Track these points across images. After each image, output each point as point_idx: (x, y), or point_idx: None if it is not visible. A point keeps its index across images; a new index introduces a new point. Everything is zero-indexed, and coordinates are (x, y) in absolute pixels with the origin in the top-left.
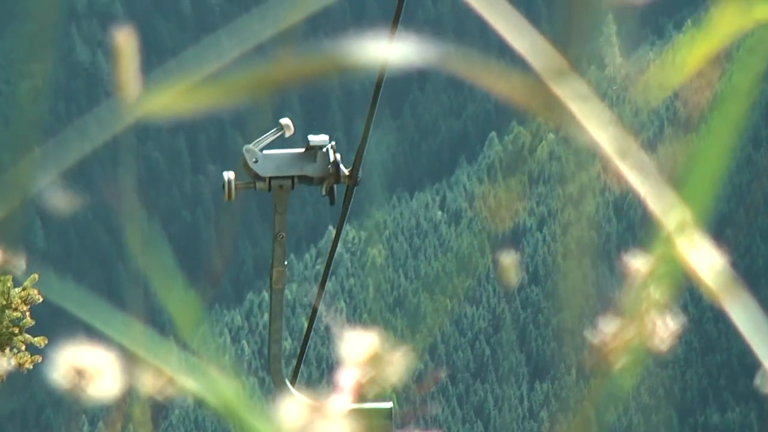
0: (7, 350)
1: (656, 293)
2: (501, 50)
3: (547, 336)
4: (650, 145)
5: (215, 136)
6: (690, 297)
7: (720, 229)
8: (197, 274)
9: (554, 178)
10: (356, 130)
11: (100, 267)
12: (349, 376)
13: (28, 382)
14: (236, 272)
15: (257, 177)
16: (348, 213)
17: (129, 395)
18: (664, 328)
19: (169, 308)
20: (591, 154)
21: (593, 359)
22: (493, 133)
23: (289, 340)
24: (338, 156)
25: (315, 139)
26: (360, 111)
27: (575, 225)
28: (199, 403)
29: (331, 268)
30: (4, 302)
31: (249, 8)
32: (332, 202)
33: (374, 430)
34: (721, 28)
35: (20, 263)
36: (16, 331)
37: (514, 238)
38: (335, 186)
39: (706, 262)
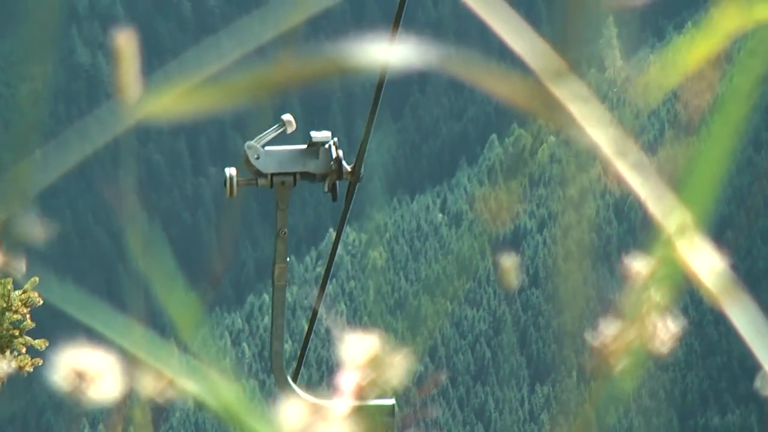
0: (8, 353)
1: (657, 296)
2: (501, 52)
3: (547, 338)
4: (651, 148)
5: (216, 138)
6: (690, 299)
7: (720, 231)
8: (198, 277)
9: (555, 180)
10: (357, 132)
11: (101, 269)
12: (349, 379)
13: (29, 384)
14: (237, 274)
15: (259, 173)
16: (349, 210)
17: (129, 398)
18: (665, 331)
19: (169, 310)
20: (592, 157)
21: (594, 362)
22: (494, 136)
23: (290, 342)
24: (341, 152)
25: (317, 135)
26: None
27: (576, 227)
28: (200, 405)
29: (332, 270)
30: (5, 305)
31: (249, 10)
32: (334, 199)
33: (377, 427)
34: (720, 28)
35: (20, 266)
36: (17, 333)
37: (515, 241)
38: (337, 182)
39: (707, 264)
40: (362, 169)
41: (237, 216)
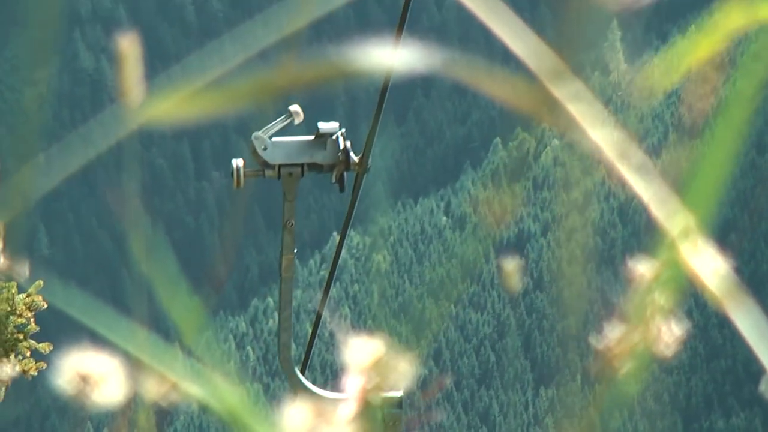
0: (12, 356)
1: (661, 299)
2: (505, 56)
3: (552, 342)
4: (654, 151)
5: (219, 143)
6: (695, 303)
7: (724, 234)
8: (201, 280)
9: (558, 183)
10: (361, 135)
11: (104, 273)
12: (353, 382)
13: (33, 388)
14: (241, 278)
15: (266, 164)
16: (357, 201)
17: (134, 401)
18: (669, 334)
19: (173, 314)
20: (595, 160)
21: (598, 365)
22: (498, 139)
23: (294, 346)
24: (348, 143)
25: (325, 126)
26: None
27: (580, 230)
28: (204, 409)
29: (336, 273)
30: (9, 309)
31: (252, 14)
32: (342, 189)
33: (385, 419)
34: (722, 28)
35: (24, 270)
36: (21, 337)
37: (519, 244)
38: (345, 173)
39: (711, 267)
40: (370, 160)
41: (240, 220)
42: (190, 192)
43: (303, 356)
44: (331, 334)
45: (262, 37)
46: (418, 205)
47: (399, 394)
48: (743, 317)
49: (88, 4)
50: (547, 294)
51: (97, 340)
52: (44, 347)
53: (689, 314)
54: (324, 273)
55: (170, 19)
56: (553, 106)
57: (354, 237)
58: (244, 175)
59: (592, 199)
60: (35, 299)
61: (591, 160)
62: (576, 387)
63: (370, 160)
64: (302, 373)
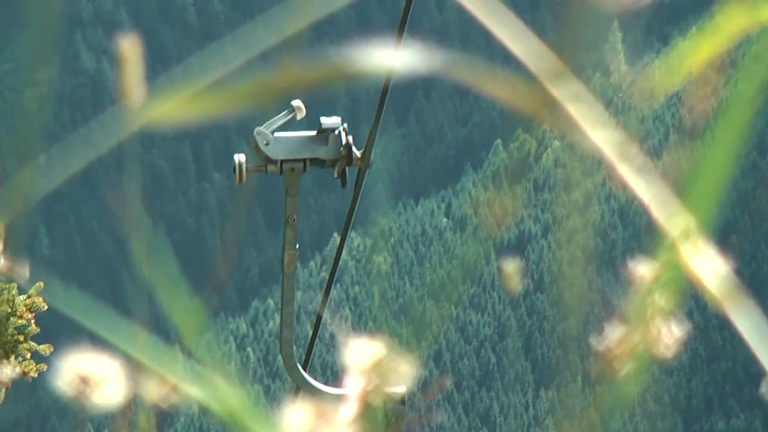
0: (12, 358)
1: (661, 300)
2: (506, 58)
3: (552, 343)
4: (655, 152)
5: (220, 144)
6: (695, 304)
7: (725, 235)
8: (202, 282)
9: (559, 185)
10: (362, 136)
11: (105, 274)
12: (354, 384)
13: (33, 390)
14: (241, 280)
15: (268, 160)
16: (359, 198)
17: (134, 403)
18: (669, 335)
19: (173, 316)
20: (596, 162)
21: (598, 366)
22: (499, 141)
23: (294, 347)
24: (350, 138)
25: (327, 121)
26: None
27: (580, 232)
28: (204, 411)
29: (336, 275)
30: (9, 310)
31: (254, 15)
32: (344, 185)
33: (387, 415)
34: (724, 30)
35: (25, 271)
36: (21, 338)
37: (520, 245)
38: (347, 168)
39: (711, 269)
40: (372, 155)
41: (241, 221)
42: (191, 193)
43: (303, 358)
44: (332, 336)
45: (264, 38)
46: (419, 207)
47: (402, 390)
48: (744, 319)
49: (90, 5)
50: (548, 295)
51: (98, 341)
52: (44, 349)
53: (690, 316)
54: (324, 274)
55: (171, 20)
56: (553, 107)
57: (355, 238)
58: (246, 171)
59: (592, 201)
60: (36, 301)
61: (592, 162)
62: (576, 388)
63: (372, 155)
64: (305, 367)
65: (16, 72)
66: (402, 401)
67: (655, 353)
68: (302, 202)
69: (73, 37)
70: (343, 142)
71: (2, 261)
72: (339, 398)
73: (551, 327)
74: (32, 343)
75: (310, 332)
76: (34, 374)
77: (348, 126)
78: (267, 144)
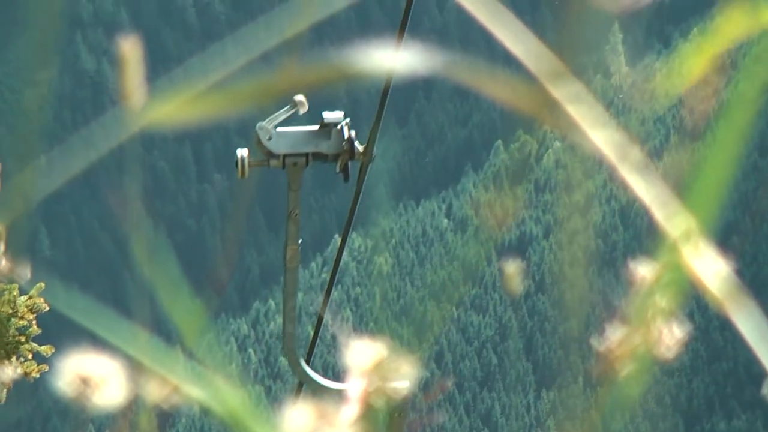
0: (14, 359)
1: (662, 301)
2: (507, 59)
3: (553, 344)
4: (656, 154)
5: (221, 145)
6: (696, 305)
7: (726, 236)
8: (203, 283)
9: (560, 186)
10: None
11: (106, 276)
12: (355, 385)
13: (35, 390)
14: (242, 281)
15: (271, 154)
16: (361, 193)
17: (135, 404)
18: (671, 336)
19: (174, 317)
20: (597, 163)
21: (600, 367)
22: (499, 141)
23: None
24: (353, 133)
25: (329, 116)
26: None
27: (581, 233)
28: (206, 411)
29: (337, 276)
30: (11, 311)
31: (254, 17)
32: (346, 179)
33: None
34: (726, 32)
35: (26, 272)
36: (23, 339)
37: (521, 246)
38: (349, 163)
39: (712, 270)
40: (375, 149)
41: (242, 222)
42: (192, 194)
43: (304, 360)
44: (333, 337)
45: (264, 39)
46: (420, 208)
47: (405, 384)
48: (745, 319)
49: (90, 6)
50: (549, 296)
51: (99, 342)
52: (46, 350)
53: (691, 317)
54: (325, 276)
55: (172, 21)
56: (554, 108)
57: (355, 239)
58: (249, 165)
59: (593, 202)
60: (37, 301)
61: (593, 163)
62: (578, 389)
63: (375, 149)
64: (308, 361)
65: (17, 73)
66: (405, 397)
67: (656, 354)
68: (303, 203)
69: (74, 38)
70: (346, 136)
71: (3, 262)
72: (341, 393)
73: (552, 328)
74: (33, 344)
75: (311, 333)
76: (35, 375)
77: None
78: (269, 139)
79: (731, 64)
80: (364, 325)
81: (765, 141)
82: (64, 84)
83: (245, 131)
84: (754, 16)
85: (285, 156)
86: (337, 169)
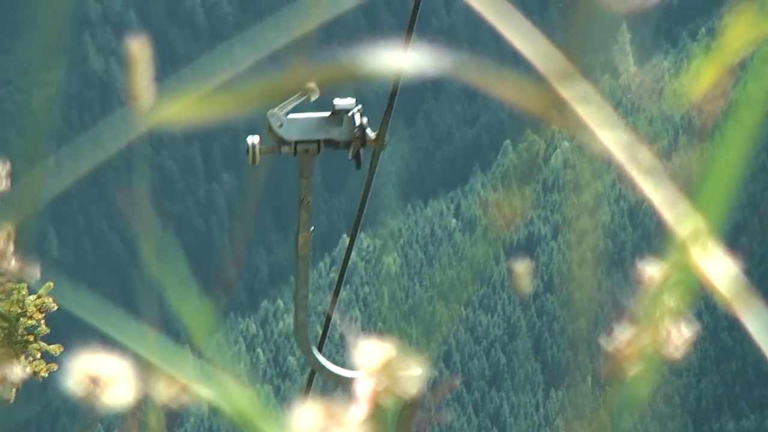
0: (23, 358)
1: (671, 301)
2: (515, 59)
3: (562, 344)
4: (665, 154)
5: (229, 145)
6: (705, 305)
7: (734, 237)
8: (211, 283)
9: (569, 186)
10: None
11: (115, 275)
12: (363, 385)
13: (44, 389)
14: (251, 280)
15: (282, 141)
16: (372, 182)
17: (144, 403)
18: (679, 336)
19: (183, 316)
20: (606, 163)
21: (608, 367)
22: (508, 141)
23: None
24: (365, 119)
25: (341, 102)
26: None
27: (590, 233)
28: (214, 411)
29: (346, 276)
30: (19, 310)
31: (263, 17)
32: (358, 166)
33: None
34: (736, 39)
35: (34, 271)
36: (31, 339)
37: (529, 246)
38: (361, 150)
39: (721, 270)
40: (386, 136)
41: (250, 222)
42: (200, 194)
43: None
44: (342, 337)
45: (272, 39)
46: (428, 208)
47: (418, 372)
48: (753, 319)
49: (98, 6)
50: (558, 296)
51: (108, 341)
52: (55, 349)
53: (699, 316)
54: (334, 275)
55: (180, 21)
56: (562, 108)
57: (364, 239)
58: (260, 152)
59: (602, 202)
60: (45, 301)
61: (601, 163)
62: (586, 389)
63: (386, 136)
64: (320, 348)
65: (25, 73)
66: (417, 387)
67: (664, 354)
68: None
69: (82, 38)
70: (357, 123)
71: (12, 262)
72: (352, 383)
73: (561, 328)
74: (42, 343)
75: (320, 333)
76: (44, 374)
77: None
78: (281, 126)
79: (740, 65)
80: (372, 325)
81: None
82: (72, 84)
83: (253, 131)
84: (763, 18)
85: (296, 143)
86: (349, 156)
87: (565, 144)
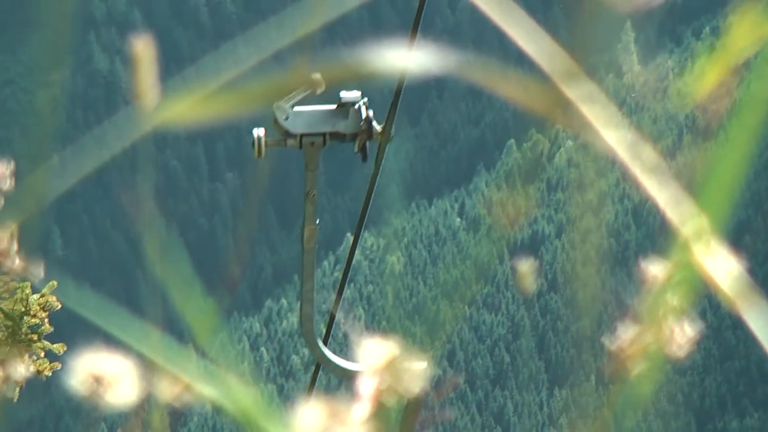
0: (26, 357)
1: (674, 300)
2: (519, 58)
3: (566, 343)
4: (669, 153)
5: (233, 144)
6: (708, 304)
7: (738, 236)
8: (215, 282)
9: (572, 185)
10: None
11: (118, 274)
12: (367, 384)
13: (47, 389)
14: (254, 279)
15: (288, 134)
16: (379, 174)
17: (147, 402)
18: (683, 335)
19: (187, 316)
20: (609, 162)
21: (612, 366)
22: (512, 141)
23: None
24: (371, 112)
25: (347, 95)
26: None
27: (594, 232)
28: (218, 410)
29: (350, 275)
30: (23, 309)
31: (267, 16)
32: (364, 159)
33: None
34: (740, 38)
35: (38, 270)
36: (35, 337)
37: (533, 245)
38: (367, 142)
39: (724, 269)
40: (392, 129)
41: (254, 221)
42: (204, 193)
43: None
44: (345, 336)
45: (276, 39)
46: (432, 207)
47: (423, 364)
48: (757, 318)
49: (103, 6)
50: (562, 295)
51: (111, 341)
52: (58, 348)
53: (703, 315)
54: (338, 274)
55: (184, 21)
56: (566, 107)
57: (368, 238)
58: (266, 145)
59: (606, 201)
60: (49, 300)
61: (605, 162)
62: (590, 387)
63: (392, 129)
64: (325, 342)
65: (29, 73)
66: (422, 378)
67: (668, 353)
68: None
69: (87, 37)
70: (363, 115)
71: (16, 261)
72: (358, 375)
73: (565, 327)
74: (46, 342)
75: (324, 332)
76: (47, 373)
77: None
78: (286, 118)
79: (744, 64)
80: (376, 324)
81: None
82: (76, 84)
83: None
84: (767, 18)
85: (302, 135)
86: (356, 149)
87: (569, 143)
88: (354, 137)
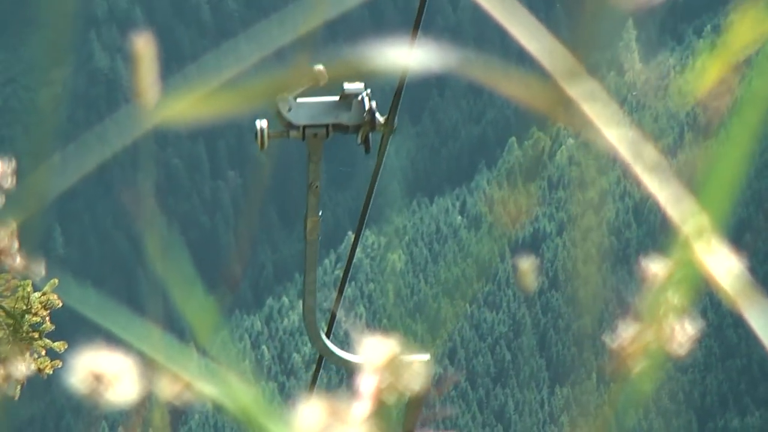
0: (27, 355)
1: (675, 298)
2: (520, 56)
3: (567, 341)
4: (670, 151)
5: (234, 142)
6: (709, 302)
7: (739, 234)
8: (216, 280)
9: (574, 183)
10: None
11: (120, 273)
12: (368, 382)
13: (48, 387)
14: (256, 277)
15: (291, 125)
16: (381, 167)
17: (148, 401)
18: (684, 333)
19: (188, 314)
20: (611, 160)
21: (613, 364)
22: (513, 138)
23: (309, 345)
24: (374, 103)
25: (350, 86)
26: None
27: (595, 230)
28: (219, 408)
29: (351, 273)
30: (24, 307)
31: (268, 14)
32: (367, 151)
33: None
34: (741, 36)
35: (40, 269)
36: (36, 335)
37: (534, 243)
38: (371, 134)
39: (725, 267)
40: (396, 120)
41: (255, 219)
42: (206, 191)
43: (316, 357)
44: (346, 334)
45: (278, 36)
46: (434, 205)
47: (426, 357)
48: (758, 316)
49: (104, 4)
50: (563, 293)
51: (112, 339)
52: (59, 346)
53: (704, 313)
54: (339, 272)
55: (186, 19)
56: (568, 105)
57: (369, 236)
58: (268, 137)
59: (607, 199)
60: (50, 298)
61: (606, 160)
62: (591, 385)
63: (396, 120)
64: (328, 334)
65: (31, 71)
66: (425, 370)
67: (669, 351)
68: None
69: (88, 36)
70: (366, 107)
71: (18, 259)
72: (361, 367)
73: (566, 324)
74: (47, 340)
75: (325, 329)
76: (48, 371)
77: None
78: (289, 110)
79: (745, 61)
80: (377, 322)
81: None
82: (78, 82)
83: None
84: None
85: (305, 127)
86: (359, 141)
87: (571, 141)
88: (357, 129)
